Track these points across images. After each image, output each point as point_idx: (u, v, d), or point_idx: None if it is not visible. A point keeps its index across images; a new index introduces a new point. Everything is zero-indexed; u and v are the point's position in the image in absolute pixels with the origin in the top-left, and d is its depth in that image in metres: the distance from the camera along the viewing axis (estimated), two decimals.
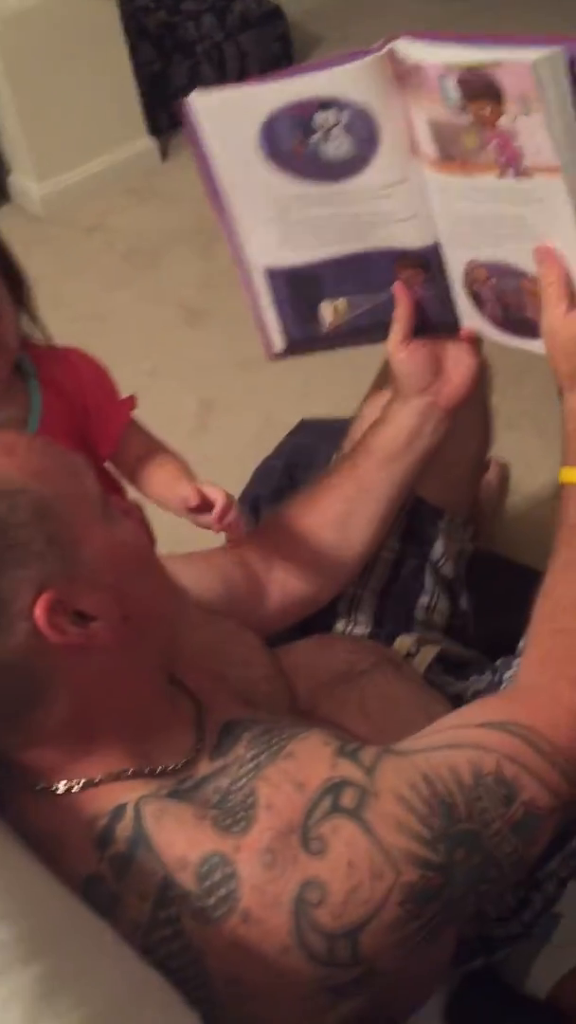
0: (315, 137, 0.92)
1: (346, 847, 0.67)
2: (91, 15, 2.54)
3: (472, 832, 0.70)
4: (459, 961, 0.93)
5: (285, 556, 1.07)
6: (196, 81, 2.91)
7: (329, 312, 1.07)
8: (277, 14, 3.03)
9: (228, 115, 0.94)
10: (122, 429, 1.10)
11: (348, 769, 0.71)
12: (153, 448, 1.12)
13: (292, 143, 0.93)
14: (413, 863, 0.68)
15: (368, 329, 1.08)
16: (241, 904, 0.66)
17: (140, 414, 1.16)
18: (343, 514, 1.08)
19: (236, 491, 1.43)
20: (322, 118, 0.91)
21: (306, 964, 0.66)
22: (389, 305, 1.04)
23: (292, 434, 1.55)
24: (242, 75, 3.01)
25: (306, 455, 1.44)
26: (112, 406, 1.11)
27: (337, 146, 0.92)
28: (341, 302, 1.06)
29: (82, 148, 2.69)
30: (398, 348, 1.04)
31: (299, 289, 1.06)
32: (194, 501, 0.98)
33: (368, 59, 0.87)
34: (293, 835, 0.68)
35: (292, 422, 1.60)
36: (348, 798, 0.69)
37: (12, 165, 2.75)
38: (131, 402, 1.13)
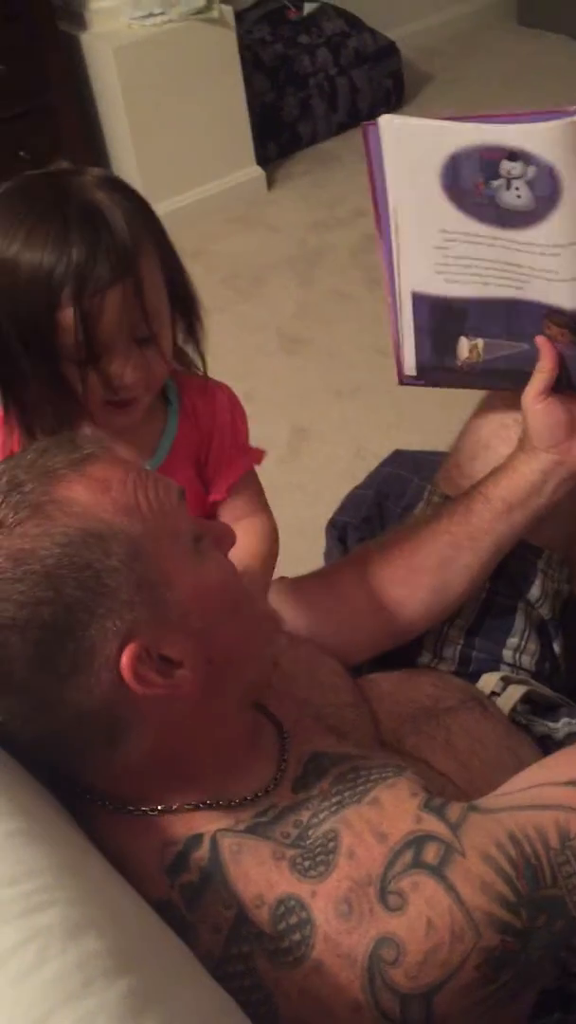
0: (497, 183, 0.93)
1: (426, 905, 0.66)
2: (210, 44, 2.59)
3: (557, 899, 0.68)
4: (536, 1014, 0.89)
5: (381, 591, 1.05)
6: (307, 114, 2.95)
7: (466, 349, 1.07)
8: (392, 50, 3.06)
9: (417, 142, 0.96)
10: (237, 481, 1.04)
11: (433, 824, 0.69)
12: (252, 511, 1.05)
13: (473, 182, 0.94)
14: (494, 927, 0.66)
15: (501, 374, 1.07)
16: (314, 953, 0.65)
17: None
18: (447, 560, 1.06)
19: (324, 520, 1.42)
20: (508, 167, 0.92)
21: (377, 1022, 0.65)
22: (528, 355, 1.03)
23: (385, 464, 1.53)
24: (352, 110, 3.04)
25: (398, 486, 1.43)
26: (237, 455, 1.04)
27: (517, 196, 0.93)
28: (480, 342, 1.06)
29: (191, 174, 2.74)
30: (535, 400, 1.03)
31: (441, 319, 1.06)
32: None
33: (563, 121, 0.87)
34: (371, 887, 0.66)
35: (383, 453, 1.58)
36: (431, 854, 0.68)
37: None
38: (257, 455, 1.07)
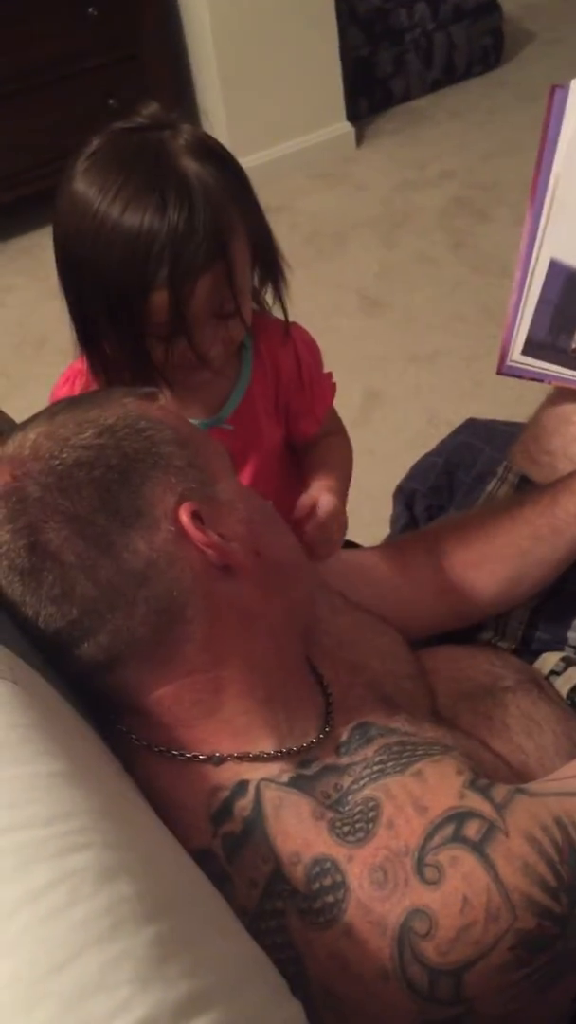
0: None
1: (463, 881, 0.64)
2: None
3: None
4: None
5: (452, 573, 1.04)
6: (401, 70, 2.88)
7: None
8: (493, 7, 2.97)
9: None
10: (327, 409, 1.09)
11: (477, 802, 0.68)
12: (336, 431, 1.11)
13: None
14: (532, 910, 0.64)
15: None
16: (346, 917, 0.64)
17: None
18: (526, 551, 1.04)
19: (392, 485, 1.40)
20: None
21: (404, 994, 0.64)
22: None
23: (457, 432, 1.50)
24: (448, 67, 2.96)
25: (469, 455, 1.40)
26: (321, 387, 1.08)
27: None
28: None
29: (280, 128, 2.71)
30: None
31: (571, 296, 1.04)
32: (301, 512, 0.94)
33: None
34: (407, 857, 0.65)
35: (456, 421, 1.55)
36: (473, 829, 0.66)
37: None
38: (334, 385, 1.10)
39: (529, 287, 1.06)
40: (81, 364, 0.98)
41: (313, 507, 0.94)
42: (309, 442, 1.09)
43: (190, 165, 0.86)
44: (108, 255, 0.86)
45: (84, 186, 0.87)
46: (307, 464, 1.06)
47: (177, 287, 0.85)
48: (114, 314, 0.89)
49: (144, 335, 0.89)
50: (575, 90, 0.98)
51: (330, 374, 1.11)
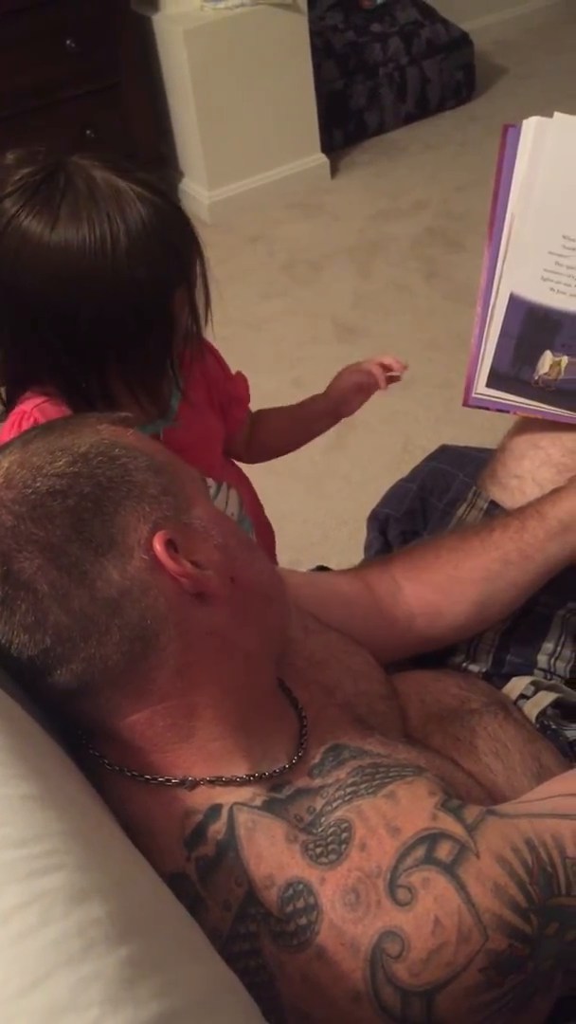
0: None
1: (435, 902, 0.65)
2: (282, 30, 2.59)
3: (570, 908, 0.67)
4: (553, 1020, 0.88)
5: (421, 598, 1.05)
6: (375, 103, 2.93)
7: (547, 364, 1.07)
8: (465, 42, 3.03)
9: (574, 140, 0.98)
10: (247, 389, 1.22)
11: (449, 823, 0.69)
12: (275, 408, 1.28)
13: None
14: (503, 931, 0.64)
15: (574, 396, 1.06)
16: (319, 939, 0.64)
17: None
18: (495, 574, 1.05)
19: (366, 511, 1.42)
20: None
21: (376, 1016, 0.64)
22: None
23: (431, 458, 1.52)
24: (422, 101, 3.01)
25: (442, 481, 1.41)
26: (237, 377, 1.22)
27: None
28: (564, 359, 1.06)
29: (255, 159, 2.74)
30: None
31: (532, 328, 1.06)
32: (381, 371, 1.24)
33: None
34: (380, 879, 0.65)
35: (431, 447, 1.57)
36: (445, 851, 0.67)
37: (185, 171, 2.83)
38: (242, 377, 1.23)
39: (491, 321, 1.07)
40: (27, 407, 1.01)
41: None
42: (243, 426, 1.24)
43: (153, 212, 0.95)
44: (131, 284, 0.94)
45: (67, 235, 0.93)
46: (295, 411, 1.29)
47: (188, 284, 0.98)
48: (139, 334, 0.97)
49: (170, 342, 1.00)
50: (527, 129, 1.00)
51: (239, 373, 1.25)
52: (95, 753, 0.74)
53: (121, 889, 0.54)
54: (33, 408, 1.01)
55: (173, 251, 0.96)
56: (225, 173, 2.70)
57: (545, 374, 1.06)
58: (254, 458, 1.33)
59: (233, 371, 1.23)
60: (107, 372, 0.99)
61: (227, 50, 2.56)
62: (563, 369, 1.05)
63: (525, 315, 1.05)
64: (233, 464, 1.19)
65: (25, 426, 1.01)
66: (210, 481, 1.10)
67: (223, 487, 1.12)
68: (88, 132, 2.51)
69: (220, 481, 1.12)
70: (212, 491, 1.11)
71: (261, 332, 2.34)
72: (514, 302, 1.05)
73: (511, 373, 1.09)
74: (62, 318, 0.96)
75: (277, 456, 1.37)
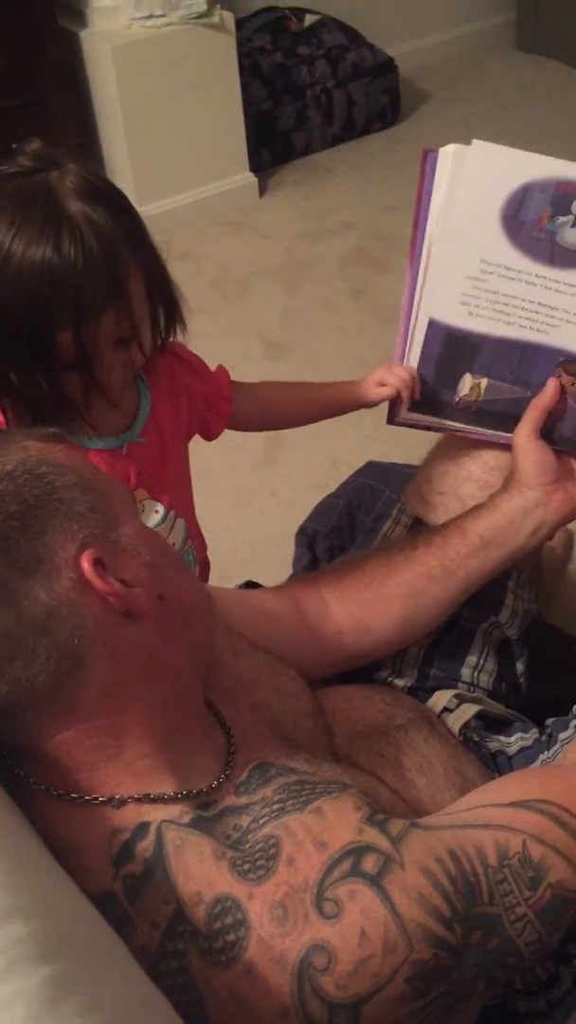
0: (563, 219, 0.96)
1: (361, 914, 0.65)
2: (210, 50, 2.60)
3: (493, 916, 0.68)
4: None
5: (347, 615, 1.06)
6: (302, 124, 2.96)
7: (467, 386, 1.08)
8: (390, 66, 3.08)
9: (495, 165, 0.99)
10: (231, 398, 1.14)
11: (374, 836, 0.69)
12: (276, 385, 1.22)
13: (536, 215, 0.97)
14: (427, 941, 0.65)
15: (492, 416, 1.09)
16: (247, 955, 0.65)
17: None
18: (418, 590, 1.07)
19: (294, 527, 1.43)
20: None
21: None
22: (524, 403, 1.06)
23: (358, 474, 1.54)
24: (348, 123, 3.06)
25: (369, 497, 1.43)
26: (216, 372, 1.15)
27: None
28: (484, 381, 1.07)
29: (184, 177, 2.75)
30: (529, 438, 1.04)
31: (451, 351, 1.08)
32: (394, 380, 1.11)
33: None
34: (307, 893, 0.66)
35: (358, 463, 1.59)
36: (370, 863, 0.67)
37: None
38: (222, 370, 1.16)
39: (411, 346, 1.09)
40: None
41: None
42: (233, 418, 1.16)
43: (78, 208, 0.88)
44: (13, 298, 0.89)
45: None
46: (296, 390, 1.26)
47: (80, 328, 0.90)
48: (24, 352, 0.92)
49: (57, 368, 0.93)
50: (444, 156, 1.01)
51: (219, 368, 1.17)
52: (21, 773, 0.73)
53: (45, 909, 0.53)
54: None
55: (69, 292, 0.88)
56: (153, 190, 2.70)
57: (466, 396, 1.08)
58: (269, 427, 1.31)
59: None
60: (56, 379, 0.95)
61: (155, 68, 2.56)
62: (483, 391, 1.08)
63: (444, 338, 1.07)
64: (184, 493, 1.14)
65: None
66: (159, 507, 1.07)
67: (170, 515, 1.09)
68: (14, 146, 2.48)
69: (170, 509, 1.08)
70: (159, 517, 1.07)
71: (189, 348, 2.34)
72: (433, 326, 1.07)
73: (433, 395, 1.11)
74: None
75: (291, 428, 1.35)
